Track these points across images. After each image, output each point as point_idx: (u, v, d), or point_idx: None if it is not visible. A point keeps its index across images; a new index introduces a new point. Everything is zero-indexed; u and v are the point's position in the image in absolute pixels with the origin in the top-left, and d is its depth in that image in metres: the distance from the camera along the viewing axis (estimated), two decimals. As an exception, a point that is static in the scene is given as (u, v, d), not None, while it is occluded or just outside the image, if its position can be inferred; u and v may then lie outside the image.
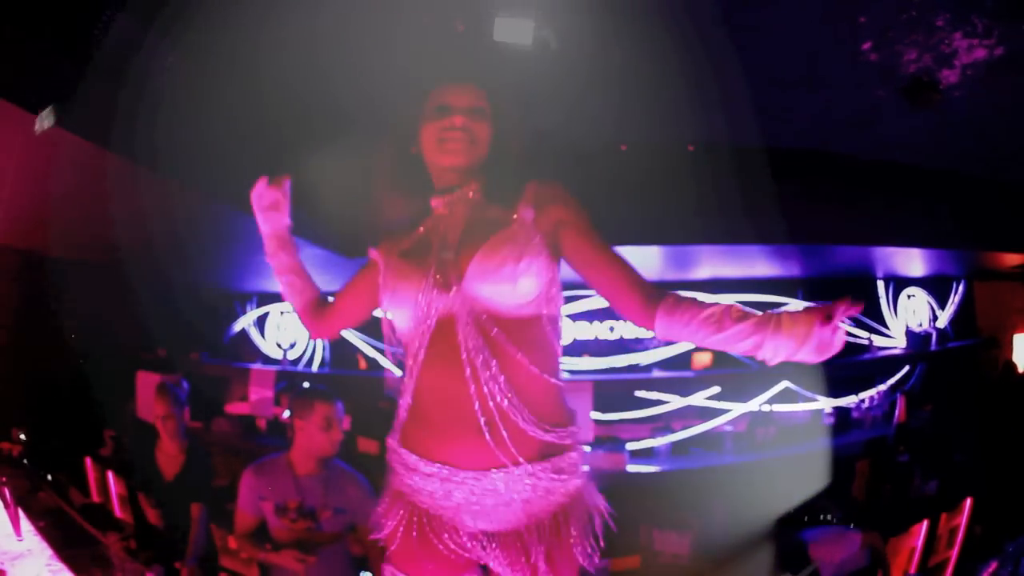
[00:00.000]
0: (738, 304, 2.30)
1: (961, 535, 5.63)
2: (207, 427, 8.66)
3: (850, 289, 8.71)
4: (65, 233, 7.26)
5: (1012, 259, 8.52)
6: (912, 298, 9.83)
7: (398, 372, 2.66)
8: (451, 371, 2.44)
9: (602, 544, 2.57)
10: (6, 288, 8.40)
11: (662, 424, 7.85)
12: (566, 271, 2.60)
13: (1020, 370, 9.12)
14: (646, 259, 7.25)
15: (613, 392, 7.83)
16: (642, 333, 8.09)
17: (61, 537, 5.08)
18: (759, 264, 8.23)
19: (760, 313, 2.26)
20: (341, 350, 9.55)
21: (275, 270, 3.03)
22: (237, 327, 10.38)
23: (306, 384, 8.87)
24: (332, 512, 4.41)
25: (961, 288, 9.98)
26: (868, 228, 7.14)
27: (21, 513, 5.11)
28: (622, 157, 6.57)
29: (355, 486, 4.52)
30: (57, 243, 7.87)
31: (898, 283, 9.76)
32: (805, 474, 6.02)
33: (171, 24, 4.29)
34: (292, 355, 9.97)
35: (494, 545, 2.53)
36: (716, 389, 8.01)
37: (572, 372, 7.97)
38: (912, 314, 9.79)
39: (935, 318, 9.88)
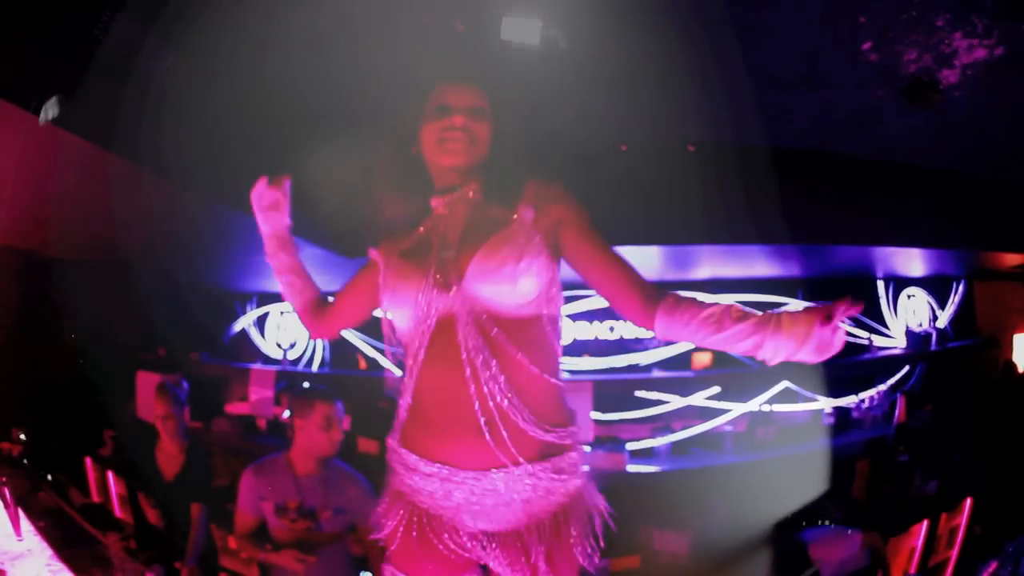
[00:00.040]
0: (738, 304, 2.30)
1: (961, 535, 5.62)
2: (207, 427, 8.66)
3: (850, 289, 8.71)
4: (65, 233, 7.27)
5: (1012, 259, 8.53)
6: (912, 298, 9.84)
7: (398, 372, 2.65)
8: (451, 371, 2.44)
9: (602, 544, 2.57)
10: (6, 288, 8.40)
11: (662, 424, 7.86)
12: (566, 271, 2.59)
13: (1020, 370, 9.12)
14: (646, 259, 7.25)
15: (613, 392, 7.84)
16: (642, 333, 8.10)
17: (61, 537, 5.08)
18: (759, 264, 8.24)
19: (760, 313, 2.26)
20: (341, 350, 9.55)
21: (275, 270, 3.03)
22: (237, 327, 10.39)
23: (306, 384, 8.88)
24: (332, 512, 4.40)
25: (961, 288, 9.99)
26: (868, 228, 7.15)
27: (21, 513, 5.11)
28: (622, 157, 6.57)
29: (355, 486, 4.51)
30: (57, 243, 7.87)
31: (898, 283, 9.77)
32: (805, 474, 6.02)
33: (171, 24, 4.29)
34: (292, 355, 9.98)
35: (494, 545, 2.53)
36: (716, 389, 8.02)
37: (572, 372, 7.98)
38: (912, 314, 9.80)
39: (935, 318, 9.89)
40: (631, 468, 7.00)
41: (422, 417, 2.55)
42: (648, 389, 7.96)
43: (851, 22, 4.62)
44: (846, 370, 8.67)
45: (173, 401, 5.61)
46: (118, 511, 6.12)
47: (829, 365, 2.20)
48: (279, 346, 10.10)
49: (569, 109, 5.58)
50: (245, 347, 10.32)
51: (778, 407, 8.15)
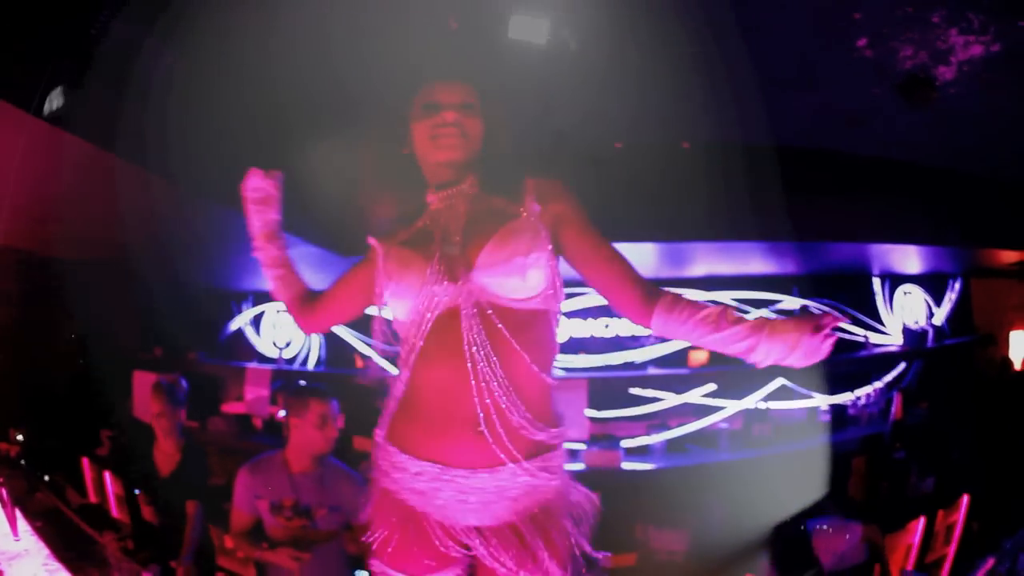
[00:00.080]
0: (732, 307, 2.33)
1: (958, 532, 5.63)
2: (203, 426, 8.66)
3: (846, 286, 8.74)
4: (63, 233, 7.26)
5: (1009, 256, 8.53)
6: (908, 295, 9.84)
7: (394, 370, 2.64)
8: (452, 365, 2.43)
9: (591, 542, 2.58)
10: (5, 288, 8.39)
11: (658, 421, 7.86)
12: (563, 268, 2.59)
13: (1016, 367, 9.13)
14: (642, 256, 7.25)
15: (609, 389, 7.83)
16: (639, 331, 8.10)
17: (58, 537, 5.09)
18: (755, 261, 8.24)
19: (756, 318, 2.30)
20: (337, 349, 9.54)
21: (264, 264, 3.02)
22: (233, 326, 10.37)
23: (302, 383, 8.87)
24: (327, 510, 4.40)
25: (958, 285, 9.99)
26: (864, 225, 7.15)
27: (18, 513, 5.11)
28: (618, 155, 6.57)
29: (350, 484, 4.51)
30: (56, 243, 7.86)
31: (894, 280, 9.77)
32: (801, 471, 6.03)
33: (169, 24, 4.30)
34: (288, 354, 9.97)
35: (481, 540, 2.52)
36: (712, 386, 8.01)
37: (568, 369, 7.98)
38: (908, 311, 9.79)
39: (931, 315, 9.89)
40: (627, 466, 7.01)
41: (415, 410, 2.54)
42: (644, 386, 7.95)
43: (846, 19, 4.62)
44: (842, 367, 8.68)
45: (168, 399, 5.60)
46: (115, 511, 6.11)
47: (825, 362, 2.22)
48: (275, 345, 10.08)
49: (568, 106, 5.59)
50: (241, 346, 10.30)
51: (774, 404, 8.14)
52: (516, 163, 2.67)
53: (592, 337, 8.39)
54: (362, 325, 8.27)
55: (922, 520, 5.33)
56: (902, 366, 9.36)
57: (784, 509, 5.38)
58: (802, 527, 5.06)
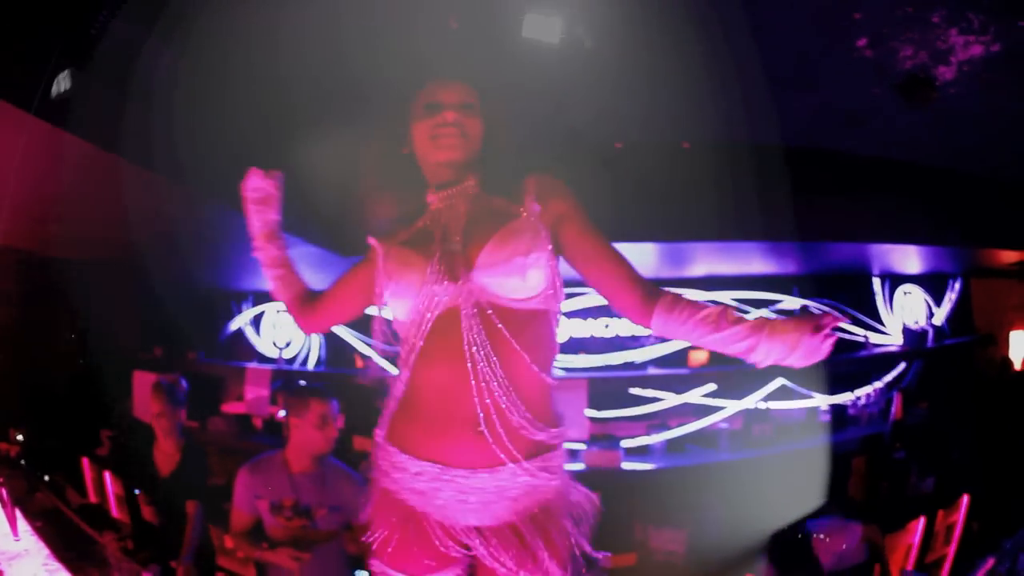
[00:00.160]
0: (732, 307, 2.34)
1: (958, 532, 5.63)
2: (203, 426, 8.66)
3: (846, 286, 8.74)
4: (63, 233, 7.26)
5: (1009, 256, 8.53)
6: (908, 295, 9.84)
7: (394, 370, 2.64)
8: (452, 364, 2.43)
9: (591, 542, 2.58)
10: (5, 288, 8.39)
11: (658, 421, 7.86)
12: (563, 268, 2.59)
13: (1016, 367, 9.13)
14: (642, 256, 7.26)
15: (609, 389, 7.83)
16: (639, 331, 8.10)
17: (58, 537, 5.09)
18: (756, 261, 8.24)
19: (756, 318, 2.31)
20: (337, 349, 9.54)
21: (264, 264, 3.01)
22: (233, 326, 10.37)
23: (302, 382, 8.87)
24: (327, 510, 4.40)
25: (958, 285, 9.99)
26: (864, 225, 7.15)
27: (18, 513, 5.11)
28: (618, 155, 6.58)
29: (350, 484, 4.51)
30: (56, 243, 7.86)
31: (894, 280, 9.77)
32: (801, 471, 6.03)
33: (168, 24, 4.30)
34: (288, 354, 9.97)
35: (481, 540, 2.52)
36: (712, 386, 8.02)
37: (568, 369, 7.98)
38: (908, 311, 9.80)
39: (931, 315, 9.89)
40: (626, 466, 7.00)
41: (415, 410, 2.54)
42: (644, 386, 7.96)
43: (846, 19, 4.62)
44: (842, 367, 8.68)
45: (168, 399, 5.59)
46: (115, 511, 6.11)
47: (825, 362, 2.23)
48: (275, 345, 10.09)
49: (578, 105, 5.59)
50: (241, 346, 10.31)
51: (774, 404, 8.15)
52: (518, 163, 2.67)
53: (592, 337, 8.40)
54: (362, 325, 8.28)
55: (922, 520, 5.33)
56: (902, 366, 9.36)
57: (784, 509, 5.37)
58: (802, 527, 5.06)
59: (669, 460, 7.37)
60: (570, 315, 8.26)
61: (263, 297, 10.23)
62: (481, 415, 2.40)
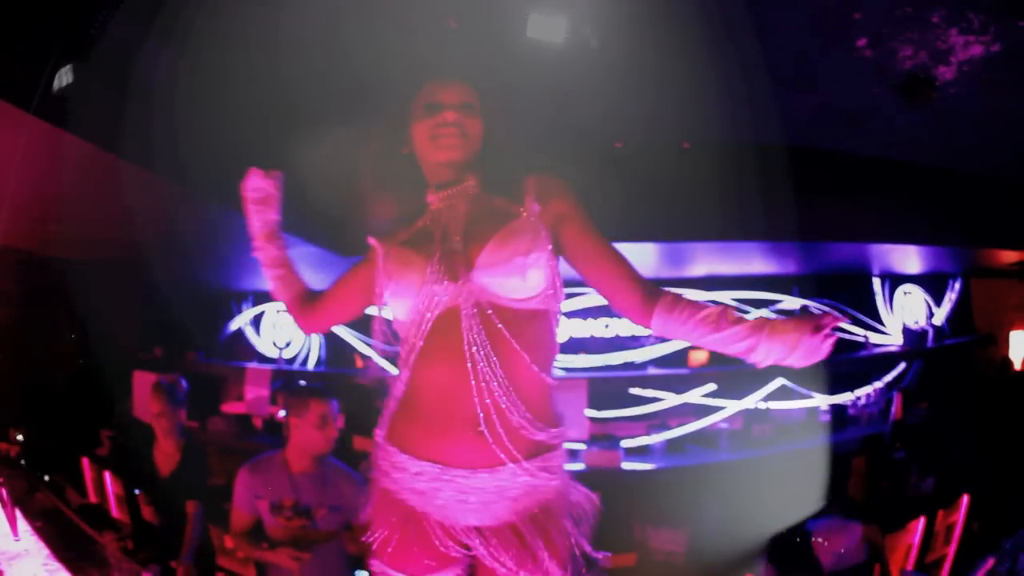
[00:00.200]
0: (732, 307, 2.34)
1: (958, 532, 5.62)
2: (203, 426, 8.66)
3: (846, 286, 8.74)
4: (63, 233, 7.26)
5: (1009, 256, 8.53)
6: (908, 295, 9.84)
7: (394, 370, 2.64)
8: (452, 364, 2.43)
9: (591, 542, 2.58)
10: (5, 288, 8.39)
11: (658, 421, 7.86)
12: (563, 268, 2.59)
13: (1016, 367, 9.13)
14: (642, 256, 7.26)
15: (609, 389, 7.83)
16: (639, 330, 8.10)
17: (58, 537, 5.08)
18: (756, 261, 8.24)
19: (755, 319, 2.32)
20: (337, 349, 9.55)
21: (263, 264, 3.01)
22: (233, 326, 10.37)
23: (302, 382, 8.87)
24: (327, 510, 4.40)
25: (958, 285, 9.99)
26: (864, 225, 7.15)
27: (18, 513, 5.11)
28: (618, 154, 6.58)
29: (350, 484, 4.51)
30: (56, 243, 7.87)
31: (894, 280, 9.77)
32: (801, 471, 6.03)
33: (168, 24, 4.30)
34: (288, 354, 9.97)
35: (481, 540, 2.52)
36: (712, 386, 8.01)
37: (568, 369, 7.98)
38: (908, 311, 9.80)
39: (931, 315, 9.89)
40: (627, 466, 7.00)
41: (415, 410, 2.54)
42: (644, 386, 7.96)
43: (846, 19, 4.62)
44: (842, 367, 8.68)
45: (167, 399, 5.60)
46: (115, 511, 6.11)
47: (825, 362, 2.23)
48: (275, 345, 10.09)
49: (580, 105, 5.60)
50: (241, 346, 10.31)
51: (774, 404, 8.15)
52: (518, 162, 2.67)
53: (592, 337, 8.40)
54: (362, 325, 8.28)
55: (922, 520, 5.33)
56: (902, 366, 9.36)
57: (784, 510, 5.37)
58: (802, 527, 5.06)
59: (669, 460, 7.37)
60: (570, 315, 8.26)
61: (263, 297, 10.23)
62: (481, 415, 2.40)
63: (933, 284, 9.98)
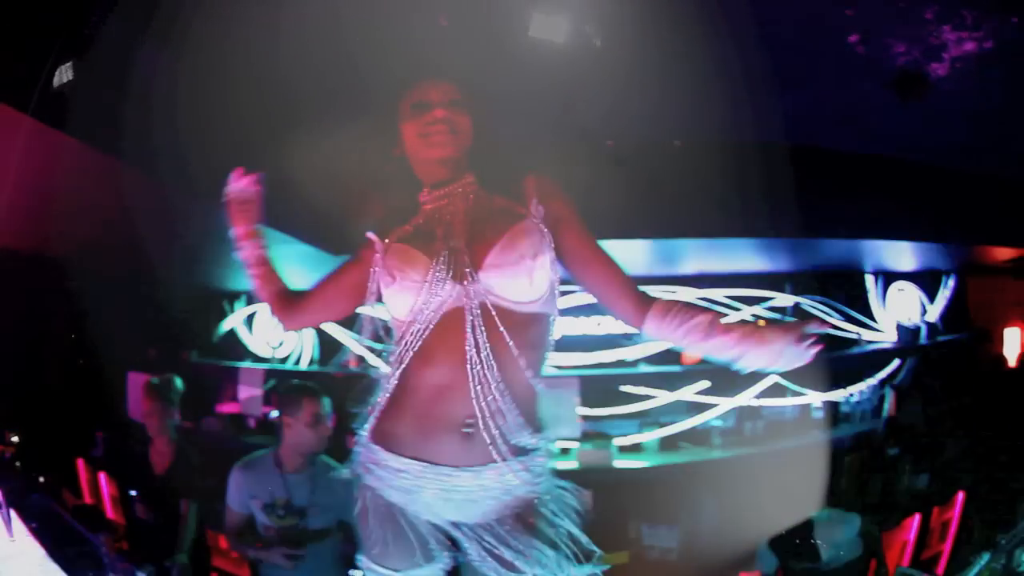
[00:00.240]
0: (723, 314, 2.39)
1: (954, 529, 5.64)
2: (197, 426, 8.65)
3: (840, 283, 8.73)
4: (61, 233, 7.25)
5: (1004, 253, 8.54)
6: (902, 292, 9.84)
7: (386, 368, 2.63)
8: (450, 364, 2.43)
9: (582, 540, 2.58)
10: (2, 288, 8.37)
11: (651, 419, 7.86)
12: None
13: (1010, 364, 9.14)
14: (633, 254, 7.25)
15: (601, 387, 7.83)
16: (630, 328, 8.09)
17: (53, 538, 5.08)
18: (748, 258, 8.24)
19: (743, 326, 2.37)
20: (330, 348, 9.54)
21: (246, 262, 3.03)
22: (226, 326, 10.36)
23: (295, 382, 8.88)
24: (320, 509, 4.41)
25: (952, 282, 10.00)
26: (857, 222, 7.16)
27: (13, 514, 5.10)
28: (612, 152, 6.58)
29: (342, 483, 4.52)
30: (48, 243, 7.85)
31: (888, 277, 9.77)
32: (795, 468, 6.03)
33: (162, 25, 4.30)
34: (281, 353, 9.96)
35: (465, 537, 2.54)
36: (705, 384, 8.01)
37: (560, 367, 7.97)
38: (902, 308, 9.80)
39: (925, 312, 9.90)
40: (619, 464, 7.01)
41: (403, 409, 2.53)
42: (636, 384, 7.96)
43: (839, 15, 4.62)
44: (836, 364, 8.67)
45: (159, 399, 5.60)
46: (110, 512, 6.11)
47: (819, 359, 2.26)
48: (268, 345, 10.07)
49: (568, 104, 5.59)
50: (235, 346, 10.30)
51: (767, 402, 8.15)
52: (517, 162, 2.67)
53: (584, 335, 8.38)
54: (355, 324, 8.28)
55: (917, 517, 5.35)
56: (896, 363, 9.36)
57: (777, 507, 5.38)
58: (796, 524, 5.07)
59: (662, 458, 7.38)
60: (562, 313, 8.18)
61: (256, 297, 10.22)
62: (477, 415, 2.40)
63: (926, 281, 9.97)
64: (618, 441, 7.39)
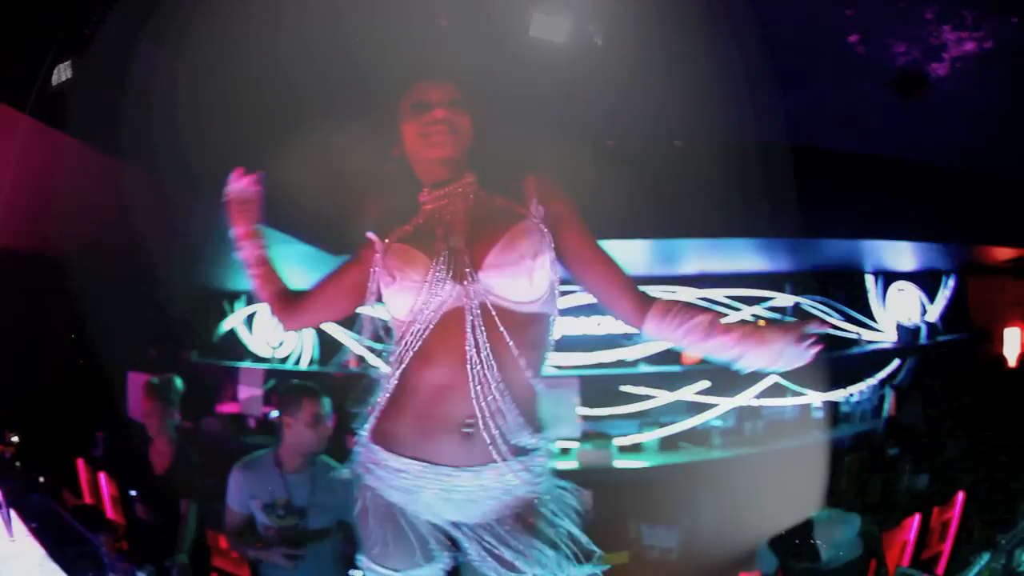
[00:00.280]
0: (722, 314, 2.38)
1: (954, 529, 5.63)
2: (198, 426, 8.64)
3: (840, 283, 8.73)
4: (61, 233, 7.25)
5: (1004, 253, 8.54)
6: (902, 292, 9.84)
7: (386, 369, 2.63)
8: (450, 364, 2.43)
9: (582, 540, 2.58)
10: (2, 288, 8.37)
11: (651, 419, 7.85)
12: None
13: (1010, 364, 9.14)
14: (633, 254, 7.25)
15: (601, 387, 7.83)
16: (630, 328, 8.09)
17: (53, 538, 5.07)
18: (749, 258, 8.24)
19: (743, 326, 2.37)
20: (330, 348, 9.53)
21: (246, 262, 3.02)
22: (226, 326, 10.35)
23: (295, 382, 8.87)
24: (320, 509, 4.41)
25: (952, 282, 9.99)
26: (857, 222, 7.15)
27: (13, 514, 5.10)
28: (612, 152, 6.58)
29: (342, 483, 4.52)
30: (48, 243, 7.85)
31: (888, 277, 9.77)
32: (795, 468, 6.03)
33: (162, 25, 4.30)
34: (281, 353, 9.95)
35: (466, 537, 2.54)
36: (705, 384, 8.01)
37: (560, 367, 7.96)
38: (902, 308, 9.79)
39: (925, 312, 9.90)
40: (619, 464, 7.00)
41: (403, 409, 2.53)
42: (636, 384, 7.95)
43: (839, 15, 4.62)
44: (836, 364, 8.67)
45: (159, 399, 5.59)
46: (110, 512, 6.11)
47: (819, 359, 2.26)
48: (268, 345, 10.07)
49: (569, 103, 5.59)
50: (235, 346, 10.29)
51: (767, 402, 8.15)
52: (517, 161, 2.67)
53: (584, 335, 8.38)
54: (354, 324, 8.27)
55: (917, 517, 5.35)
56: (896, 363, 9.36)
57: (777, 507, 5.38)
58: (796, 524, 5.07)
59: (662, 458, 7.38)
60: (562, 313, 8.17)
61: (256, 297, 10.21)
62: (477, 415, 2.40)
63: (927, 281, 9.97)
64: (618, 441, 7.39)
